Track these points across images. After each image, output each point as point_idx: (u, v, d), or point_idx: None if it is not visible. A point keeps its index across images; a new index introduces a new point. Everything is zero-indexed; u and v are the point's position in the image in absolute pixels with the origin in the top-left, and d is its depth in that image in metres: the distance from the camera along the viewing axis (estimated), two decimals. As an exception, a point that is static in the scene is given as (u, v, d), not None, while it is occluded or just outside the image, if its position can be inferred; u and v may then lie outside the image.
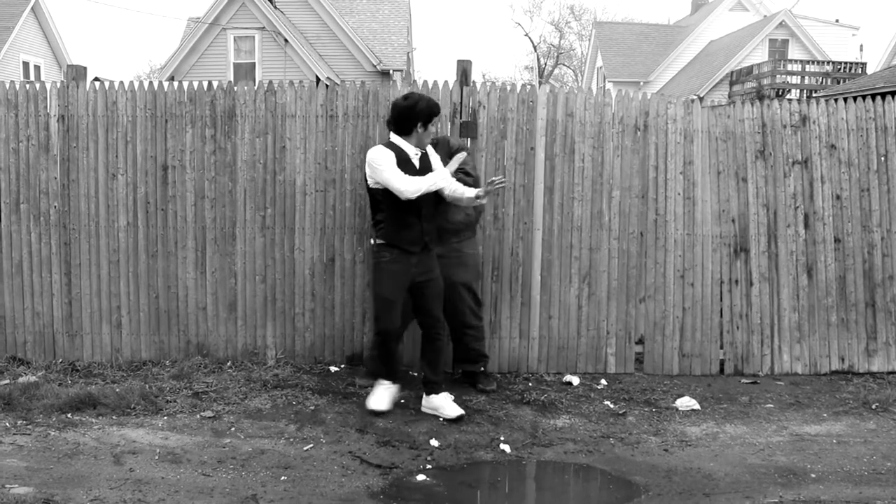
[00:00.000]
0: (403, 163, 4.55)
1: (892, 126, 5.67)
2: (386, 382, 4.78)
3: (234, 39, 22.50)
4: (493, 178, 4.63)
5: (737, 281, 5.63)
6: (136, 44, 69.85)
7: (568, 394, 5.18)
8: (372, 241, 4.80)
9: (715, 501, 3.74)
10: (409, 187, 4.47)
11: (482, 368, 5.26)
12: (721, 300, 5.63)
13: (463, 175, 4.89)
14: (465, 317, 5.09)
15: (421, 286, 4.67)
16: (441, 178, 4.56)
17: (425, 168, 4.61)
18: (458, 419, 4.62)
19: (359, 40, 23.69)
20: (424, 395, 4.79)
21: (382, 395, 4.74)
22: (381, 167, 4.51)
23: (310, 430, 4.46)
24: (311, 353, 5.51)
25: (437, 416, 4.66)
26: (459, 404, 4.83)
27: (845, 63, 20.99)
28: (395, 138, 4.62)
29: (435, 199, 4.67)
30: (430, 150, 4.71)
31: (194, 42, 22.37)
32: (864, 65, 21.00)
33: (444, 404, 4.71)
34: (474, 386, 5.19)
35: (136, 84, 5.45)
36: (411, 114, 4.52)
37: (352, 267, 5.47)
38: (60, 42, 26.17)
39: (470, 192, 4.66)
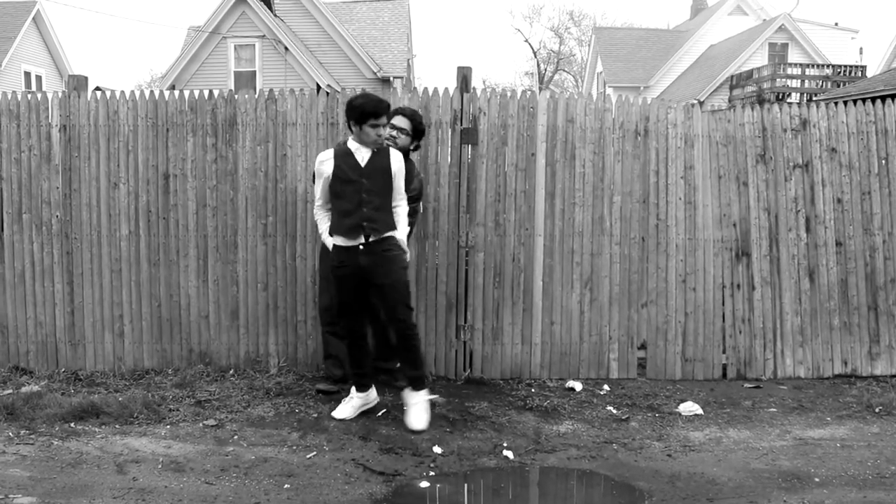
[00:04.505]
0: (344, 155, 4.57)
1: (893, 129, 5.68)
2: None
3: (235, 48, 22.56)
4: None
5: (739, 285, 5.63)
6: (137, 53, 70.09)
7: (571, 399, 5.17)
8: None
9: (719, 506, 3.73)
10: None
11: (398, 365, 5.10)
12: (723, 304, 5.62)
13: None
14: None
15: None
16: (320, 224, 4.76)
17: (374, 168, 4.54)
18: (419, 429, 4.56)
19: (359, 47, 23.74)
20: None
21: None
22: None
23: (313, 438, 4.46)
24: (314, 361, 5.49)
25: (441, 424, 4.65)
26: (462, 411, 4.83)
27: (845, 66, 21.04)
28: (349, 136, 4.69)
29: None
30: (393, 155, 4.60)
31: (195, 51, 22.44)
32: (863, 68, 21.03)
33: (407, 400, 4.71)
34: (391, 384, 5.10)
35: (137, 93, 5.47)
36: (346, 110, 4.58)
37: (353, 274, 5.47)
38: (62, 52, 26.28)
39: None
